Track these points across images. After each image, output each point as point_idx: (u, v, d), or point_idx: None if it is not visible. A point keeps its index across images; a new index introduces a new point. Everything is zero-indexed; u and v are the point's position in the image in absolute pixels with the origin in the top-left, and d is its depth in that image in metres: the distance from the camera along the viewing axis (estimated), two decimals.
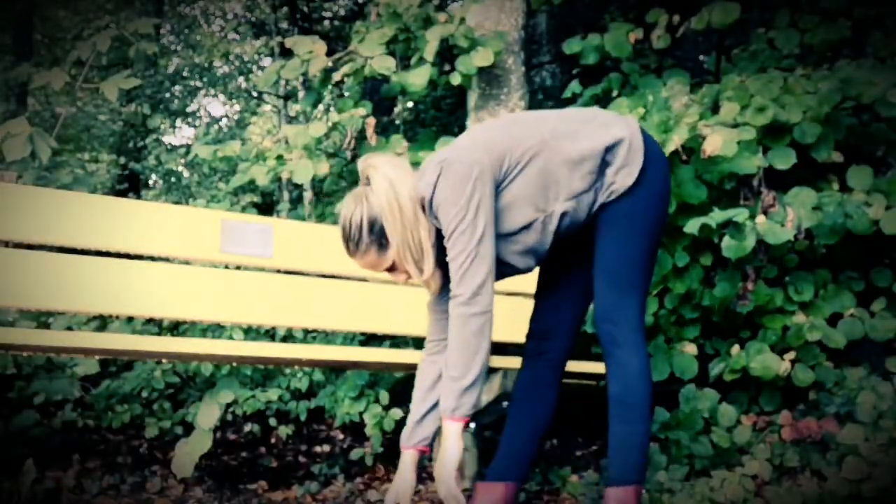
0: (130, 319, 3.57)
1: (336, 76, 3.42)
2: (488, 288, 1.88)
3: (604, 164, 1.95)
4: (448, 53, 3.47)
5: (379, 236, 1.90)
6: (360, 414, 3.50)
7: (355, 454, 3.40)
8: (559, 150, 1.93)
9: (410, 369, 2.68)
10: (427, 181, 1.91)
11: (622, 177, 1.94)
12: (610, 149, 1.94)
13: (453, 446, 1.88)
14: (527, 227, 1.94)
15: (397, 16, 3.40)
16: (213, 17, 11.28)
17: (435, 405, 2.04)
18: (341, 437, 3.93)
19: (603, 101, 3.74)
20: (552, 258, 2.08)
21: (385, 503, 2.04)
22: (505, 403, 2.55)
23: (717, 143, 2.75)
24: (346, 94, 4.64)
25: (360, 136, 3.63)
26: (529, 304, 2.23)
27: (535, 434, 2.13)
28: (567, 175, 1.93)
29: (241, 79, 9.97)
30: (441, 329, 2.07)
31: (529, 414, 2.12)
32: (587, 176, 1.94)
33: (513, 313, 2.46)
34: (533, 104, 4.08)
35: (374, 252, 1.92)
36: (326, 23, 8.60)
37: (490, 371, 2.35)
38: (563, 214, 1.95)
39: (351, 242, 1.92)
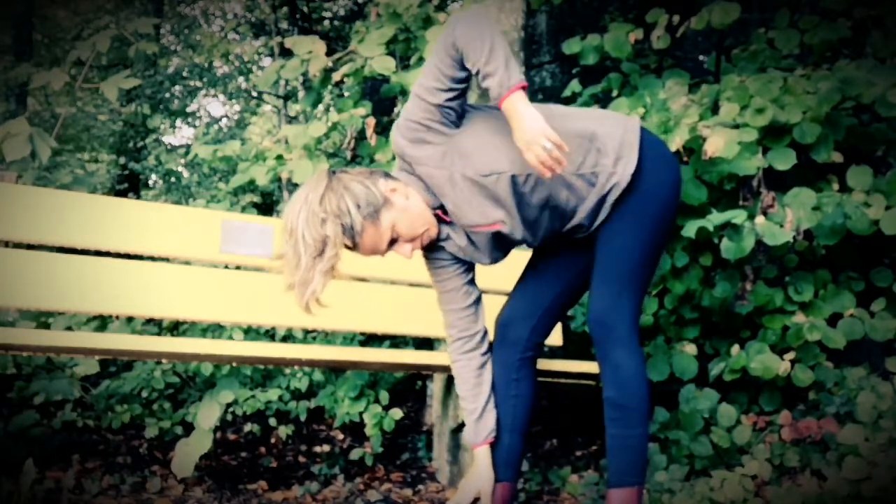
0: (130, 319, 3.57)
1: (336, 76, 3.42)
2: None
3: (596, 153, 1.90)
4: None
5: (371, 213, 1.86)
6: (360, 414, 3.51)
7: (355, 454, 3.40)
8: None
9: (410, 369, 2.67)
10: (393, 136, 1.92)
11: (622, 167, 1.90)
12: (599, 137, 1.90)
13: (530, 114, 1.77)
14: (498, 174, 1.87)
15: (397, 16, 3.40)
16: (213, 17, 11.30)
17: (488, 398, 2.07)
18: (341, 437, 3.93)
19: (603, 101, 3.75)
20: (544, 248, 2.07)
21: (461, 493, 2.05)
22: None
23: (718, 144, 2.74)
24: (346, 94, 4.64)
25: (360, 136, 3.64)
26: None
27: (516, 431, 2.11)
28: None
29: (241, 79, 9.99)
30: (464, 325, 2.08)
31: (508, 412, 2.11)
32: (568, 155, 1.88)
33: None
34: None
35: (372, 229, 1.88)
36: (326, 23, 8.62)
37: None
38: (538, 181, 1.89)
39: (348, 232, 1.85)
